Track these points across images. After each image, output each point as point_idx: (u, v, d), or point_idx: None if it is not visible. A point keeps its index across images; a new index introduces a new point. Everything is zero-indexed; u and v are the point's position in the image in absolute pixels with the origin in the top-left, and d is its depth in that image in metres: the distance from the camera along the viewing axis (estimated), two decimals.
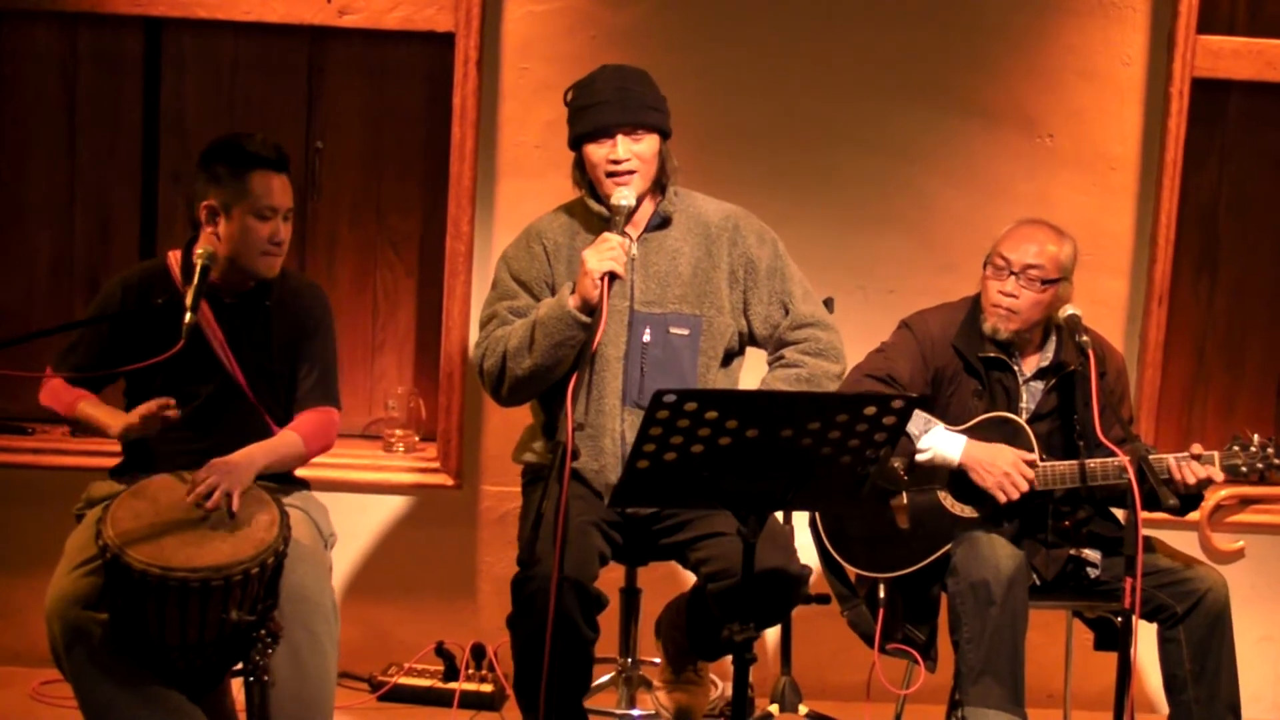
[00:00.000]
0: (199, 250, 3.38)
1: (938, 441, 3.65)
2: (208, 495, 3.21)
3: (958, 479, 3.68)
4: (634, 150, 3.45)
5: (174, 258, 3.55)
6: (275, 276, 3.52)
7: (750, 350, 3.70)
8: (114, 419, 3.41)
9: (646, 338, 3.51)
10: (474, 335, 4.22)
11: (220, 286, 3.46)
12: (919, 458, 3.67)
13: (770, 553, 3.23)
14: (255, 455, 3.39)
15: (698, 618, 3.55)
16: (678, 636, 3.69)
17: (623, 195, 3.42)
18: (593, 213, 3.53)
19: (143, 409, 3.32)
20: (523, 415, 3.74)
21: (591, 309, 3.31)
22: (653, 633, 3.88)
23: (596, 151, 3.46)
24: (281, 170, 3.48)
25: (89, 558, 3.18)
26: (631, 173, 3.45)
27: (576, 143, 3.52)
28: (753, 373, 3.73)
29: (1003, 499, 3.60)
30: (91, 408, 3.48)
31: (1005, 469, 3.61)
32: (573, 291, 3.37)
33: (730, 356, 3.62)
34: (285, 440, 3.51)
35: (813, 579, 4.16)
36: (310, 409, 3.57)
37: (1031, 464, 3.62)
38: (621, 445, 3.46)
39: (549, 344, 3.38)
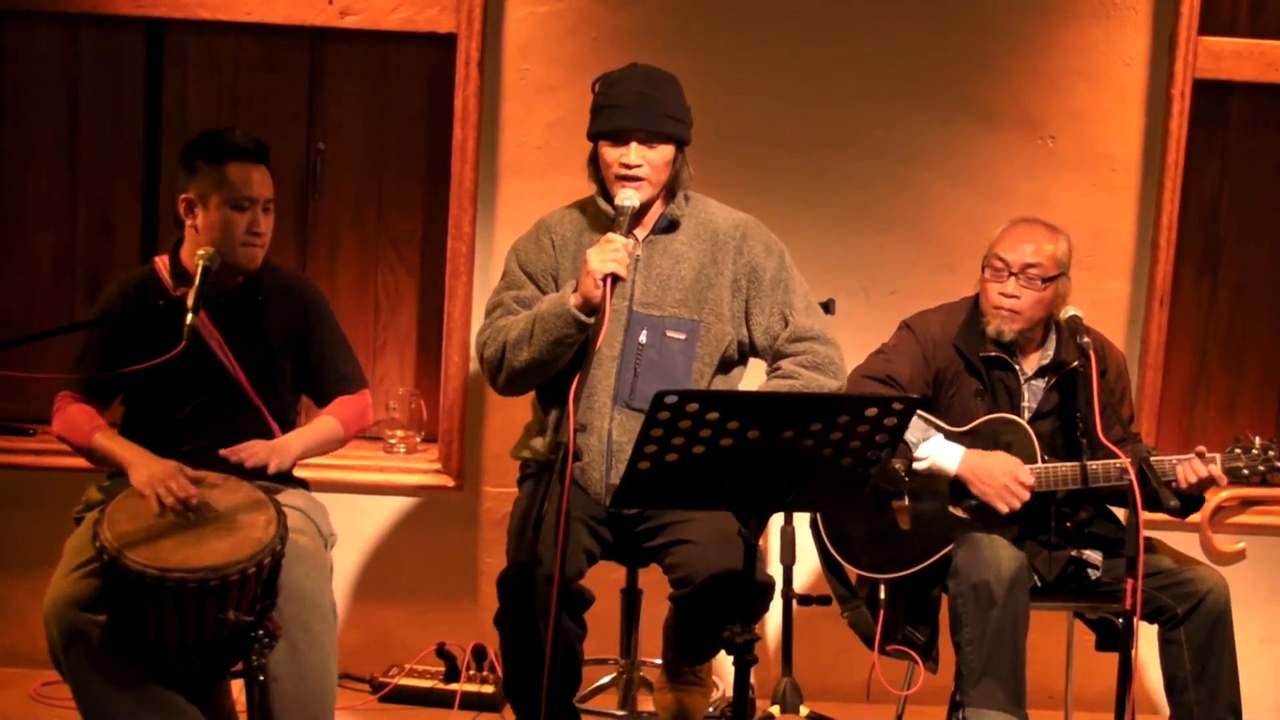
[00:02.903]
0: (201, 251, 3.38)
1: (935, 450, 3.65)
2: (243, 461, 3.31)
3: (958, 484, 3.67)
4: (647, 157, 3.46)
5: (162, 263, 3.55)
6: (259, 269, 3.52)
7: (752, 359, 3.70)
8: (136, 458, 3.35)
9: (643, 339, 3.51)
10: (476, 336, 4.22)
11: (209, 285, 3.45)
12: (916, 466, 3.66)
13: (726, 559, 3.23)
14: (293, 440, 3.50)
15: (679, 621, 3.56)
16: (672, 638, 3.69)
17: (627, 197, 3.43)
18: (601, 211, 3.54)
19: (180, 491, 3.22)
20: (523, 416, 3.74)
21: (593, 309, 3.31)
22: (652, 634, 3.88)
23: (610, 152, 3.48)
24: (259, 161, 3.49)
25: (87, 560, 3.18)
26: (641, 179, 3.46)
27: (594, 138, 3.53)
28: (754, 381, 3.73)
29: (1004, 509, 3.60)
30: (109, 441, 3.44)
31: (1004, 481, 3.60)
32: (575, 290, 3.38)
33: (730, 365, 3.61)
34: (324, 424, 3.59)
35: (813, 580, 4.17)
36: (344, 395, 3.65)
37: (1028, 478, 3.62)
38: (609, 444, 3.46)
39: (547, 340, 3.39)
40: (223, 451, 3.36)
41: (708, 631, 3.05)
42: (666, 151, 3.49)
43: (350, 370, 3.69)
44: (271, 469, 3.37)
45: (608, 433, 3.47)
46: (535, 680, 3.15)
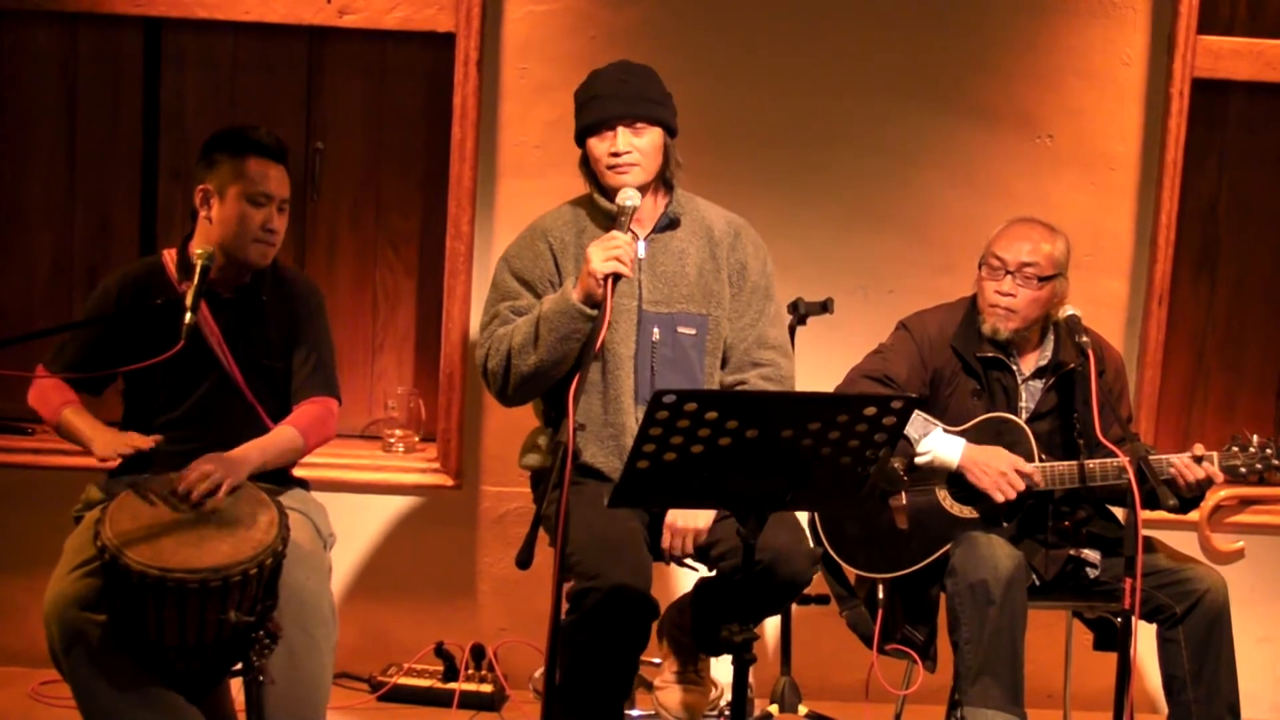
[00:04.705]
0: (198, 250, 3.38)
1: (937, 444, 3.66)
2: (192, 491, 3.21)
3: (957, 479, 3.68)
4: (634, 143, 3.46)
5: (170, 256, 3.55)
6: (267, 267, 3.52)
7: None
8: (97, 435, 3.39)
9: (655, 336, 3.51)
10: (475, 335, 4.22)
11: (217, 281, 3.45)
12: (918, 460, 3.67)
13: (775, 538, 3.25)
14: (250, 452, 3.38)
15: (702, 612, 3.56)
16: (679, 636, 3.69)
17: (628, 196, 3.42)
18: (600, 209, 3.53)
19: (134, 441, 3.30)
20: (522, 415, 3.74)
21: (596, 303, 3.31)
22: (654, 634, 3.89)
23: (598, 145, 3.47)
24: (279, 160, 3.49)
25: (88, 559, 3.18)
26: (633, 165, 3.45)
27: (580, 138, 3.53)
28: None
29: (999, 498, 3.61)
30: (77, 417, 3.46)
31: (1002, 469, 3.61)
32: (575, 285, 3.37)
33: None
34: (282, 436, 3.49)
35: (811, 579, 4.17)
36: (308, 400, 3.55)
37: (1027, 475, 3.62)
38: None
39: (554, 338, 3.38)
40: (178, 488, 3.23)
41: (743, 610, 3.02)
42: (654, 136, 3.48)
43: (320, 376, 3.57)
44: (224, 490, 3.22)
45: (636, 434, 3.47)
46: (600, 692, 3.26)
